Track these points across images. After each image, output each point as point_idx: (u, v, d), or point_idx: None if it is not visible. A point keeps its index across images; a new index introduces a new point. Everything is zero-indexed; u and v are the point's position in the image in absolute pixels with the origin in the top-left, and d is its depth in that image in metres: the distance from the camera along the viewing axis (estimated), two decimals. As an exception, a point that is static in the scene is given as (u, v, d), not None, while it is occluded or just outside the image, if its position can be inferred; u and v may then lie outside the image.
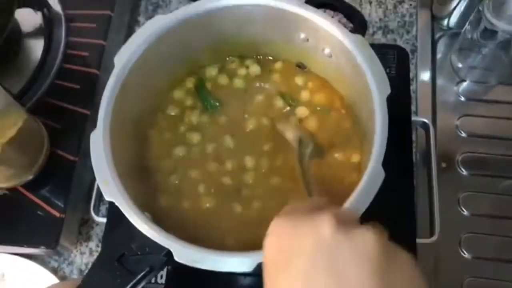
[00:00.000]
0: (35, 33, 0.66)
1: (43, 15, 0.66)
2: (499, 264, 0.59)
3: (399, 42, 0.71)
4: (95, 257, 0.54)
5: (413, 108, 0.65)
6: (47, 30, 0.65)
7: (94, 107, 0.61)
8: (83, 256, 0.62)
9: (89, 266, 0.49)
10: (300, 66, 0.56)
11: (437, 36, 0.72)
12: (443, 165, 0.65)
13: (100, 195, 0.59)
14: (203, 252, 0.39)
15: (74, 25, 0.67)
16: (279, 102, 0.54)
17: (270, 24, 0.52)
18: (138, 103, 0.50)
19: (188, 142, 0.53)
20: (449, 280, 0.59)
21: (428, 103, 0.67)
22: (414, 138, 0.63)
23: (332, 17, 0.49)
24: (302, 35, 0.52)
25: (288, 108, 0.54)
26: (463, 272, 0.59)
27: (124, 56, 0.47)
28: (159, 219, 0.43)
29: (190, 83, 0.55)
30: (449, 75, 0.70)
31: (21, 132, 0.53)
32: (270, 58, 0.57)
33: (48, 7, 0.67)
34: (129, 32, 0.74)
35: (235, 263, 0.38)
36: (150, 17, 0.73)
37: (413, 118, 0.60)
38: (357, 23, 0.52)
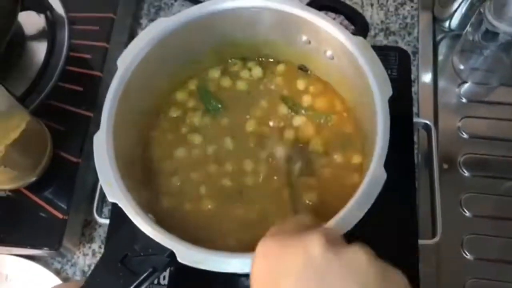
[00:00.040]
0: (38, 36, 0.66)
1: (46, 18, 0.67)
2: (502, 265, 0.59)
3: (401, 44, 0.71)
4: (98, 258, 0.54)
5: (414, 109, 0.66)
6: (50, 32, 0.66)
7: (97, 109, 0.62)
8: (86, 258, 0.63)
9: (92, 267, 0.50)
10: (302, 69, 0.56)
11: (438, 38, 0.72)
12: (445, 166, 0.65)
13: (103, 197, 0.59)
14: (206, 253, 0.39)
15: (77, 27, 0.67)
16: (281, 107, 0.54)
17: (272, 26, 0.52)
18: (140, 105, 0.51)
19: (190, 144, 0.53)
20: (451, 281, 0.59)
21: (429, 104, 0.67)
22: (415, 139, 0.63)
23: (334, 19, 0.49)
24: (304, 38, 0.52)
25: (291, 112, 0.54)
26: (465, 273, 0.59)
27: (127, 59, 0.48)
28: (161, 220, 0.43)
29: (192, 85, 0.56)
30: (451, 77, 0.70)
31: (24, 134, 0.53)
32: (272, 60, 0.57)
33: (51, 10, 0.67)
34: (132, 34, 0.75)
35: (238, 264, 0.39)
36: (152, 20, 0.73)
37: (415, 119, 0.60)
38: (358, 25, 0.52)
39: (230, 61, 0.57)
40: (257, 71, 0.56)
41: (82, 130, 0.61)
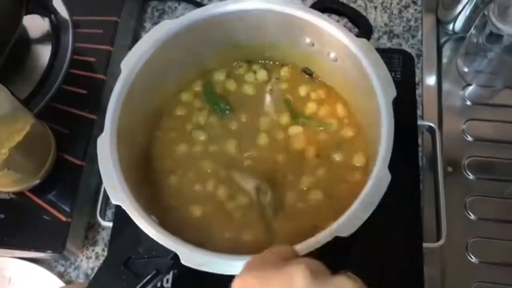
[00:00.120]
0: (42, 39, 0.67)
1: (51, 21, 0.67)
2: (507, 269, 0.59)
3: (405, 47, 0.71)
4: (101, 261, 0.54)
5: (419, 112, 0.65)
6: (54, 36, 0.66)
7: (101, 112, 0.62)
8: (89, 261, 0.63)
9: (95, 270, 0.50)
10: (306, 72, 0.56)
11: (442, 40, 0.72)
12: (450, 169, 0.64)
13: (106, 200, 0.59)
14: (210, 255, 0.39)
15: (81, 31, 0.67)
16: (284, 116, 0.54)
17: (275, 29, 0.52)
18: (144, 107, 0.51)
19: (193, 141, 0.53)
20: (456, 284, 0.59)
21: (434, 107, 0.67)
22: (420, 142, 0.63)
23: (338, 21, 0.49)
24: (308, 40, 0.52)
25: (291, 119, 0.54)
26: (470, 276, 0.59)
27: (131, 61, 0.48)
28: (163, 221, 0.43)
29: (197, 86, 0.56)
30: (455, 79, 0.70)
31: (28, 136, 0.53)
32: (277, 63, 0.57)
33: (55, 13, 0.67)
34: (136, 37, 0.75)
35: (242, 266, 0.38)
36: (156, 23, 0.73)
37: (419, 122, 0.60)
38: (362, 28, 0.52)
39: (235, 63, 0.57)
40: (262, 74, 0.56)
41: (85, 133, 0.62)
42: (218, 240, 0.47)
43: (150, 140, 0.53)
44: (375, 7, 0.74)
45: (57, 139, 0.60)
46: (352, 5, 0.55)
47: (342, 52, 0.49)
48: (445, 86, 0.69)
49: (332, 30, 0.48)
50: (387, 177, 0.41)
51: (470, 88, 0.69)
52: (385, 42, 0.72)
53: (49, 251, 0.57)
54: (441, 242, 0.53)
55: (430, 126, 0.60)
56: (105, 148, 0.44)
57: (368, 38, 0.50)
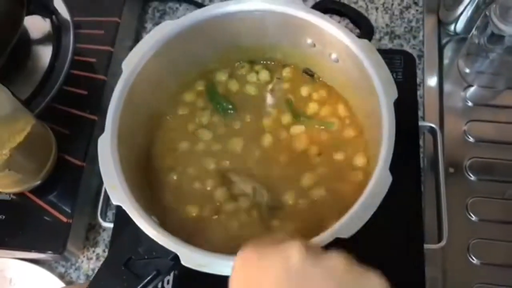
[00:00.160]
0: (43, 40, 0.67)
1: (52, 22, 0.67)
2: (508, 270, 0.59)
3: (406, 48, 0.71)
4: (102, 262, 0.54)
5: (420, 113, 0.65)
6: (55, 37, 0.66)
7: (102, 112, 0.62)
8: (90, 262, 0.62)
9: (96, 271, 0.50)
10: (307, 72, 0.56)
11: (444, 41, 0.72)
12: (451, 170, 0.64)
13: (107, 201, 0.59)
14: (210, 256, 0.39)
15: (82, 31, 0.67)
16: (286, 116, 0.54)
17: (276, 29, 0.52)
18: (145, 107, 0.51)
19: (196, 141, 0.53)
20: (457, 286, 0.59)
21: (435, 108, 0.67)
22: (421, 143, 0.63)
23: (339, 22, 0.49)
24: (309, 40, 0.52)
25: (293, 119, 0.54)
26: (471, 278, 0.58)
27: (132, 62, 0.48)
28: (163, 222, 0.43)
29: (200, 85, 0.56)
30: (456, 80, 0.70)
31: (29, 137, 0.53)
32: (278, 63, 0.57)
33: (57, 14, 0.67)
34: (137, 38, 0.75)
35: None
36: (157, 24, 0.73)
37: (420, 123, 0.60)
38: (363, 29, 0.52)
39: (237, 64, 0.57)
40: (264, 75, 0.56)
41: (86, 134, 0.62)
42: (218, 240, 0.47)
43: (150, 140, 0.53)
44: (376, 8, 0.74)
45: (58, 140, 0.60)
46: (353, 6, 0.55)
47: (343, 53, 0.49)
48: (447, 87, 0.69)
49: (334, 31, 0.48)
50: (388, 178, 0.41)
51: (472, 89, 0.69)
52: (386, 43, 0.71)
53: (49, 252, 0.57)
54: (443, 243, 0.53)
55: (432, 127, 0.60)
56: (106, 148, 0.44)
57: (370, 39, 0.50)
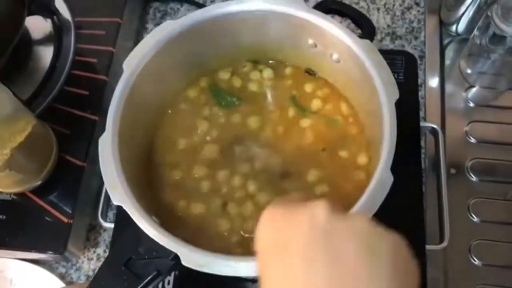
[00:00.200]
0: (44, 40, 0.67)
1: (53, 22, 0.67)
2: (510, 271, 0.58)
3: (407, 48, 0.71)
4: (102, 262, 0.54)
5: (421, 114, 0.65)
6: (56, 37, 0.66)
7: (103, 113, 0.62)
8: (91, 262, 0.62)
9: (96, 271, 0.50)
10: (309, 72, 0.56)
11: (445, 42, 0.72)
12: (453, 171, 0.64)
13: (107, 201, 0.59)
14: (211, 256, 0.39)
15: (83, 32, 0.67)
16: (290, 109, 0.54)
17: (278, 29, 0.52)
18: (146, 107, 0.51)
19: (198, 137, 0.53)
20: (459, 287, 0.58)
21: (437, 109, 0.67)
22: (422, 144, 0.63)
23: (340, 22, 0.49)
24: (310, 41, 0.52)
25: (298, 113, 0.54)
26: (473, 279, 0.58)
27: (133, 61, 0.48)
28: (164, 222, 0.43)
29: (203, 82, 0.56)
30: (458, 81, 0.70)
31: (30, 137, 0.53)
32: (280, 63, 0.57)
33: (58, 14, 0.67)
34: (138, 39, 0.75)
35: (243, 267, 0.38)
36: (158, 24, 0.73)
37: (422, 124, 0.60)
38: (365, 29, 0.52)
39: (239, 64, 0.57)
40: (267, 73, 0.56)
41: (87, 134, 0.62)
42: (220, 240, 0.47)
43: (151, 140, 0.53)
44: (378, 9, 0.74)
45: (58, 140, 0.60)
46: (354, 6, 0.55)
47: (345, 53, 0.49)
48: (448, 87, 0.69)
49: (335, 31, 0.48)
50: (390, 178, 0.41)
51: (473, 89, 0.69)
52: (387, 44, 0.71)
53: (50, 252, 0.57)
54: (444, 244, 0.53)
55: (433, 128, 0.60)
56: (107, 148, 0.44)
57: (371, 40, 0.49)
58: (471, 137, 0.66)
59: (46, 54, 0.65)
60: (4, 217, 0.58)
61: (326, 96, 0.55)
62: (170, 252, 0.39)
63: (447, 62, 0.71)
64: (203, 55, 0.54)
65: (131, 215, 0.41)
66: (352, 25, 0.54)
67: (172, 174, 0.51)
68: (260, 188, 0.50)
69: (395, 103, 0.44)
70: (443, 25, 0.72)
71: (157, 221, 0.42)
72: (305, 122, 0.53)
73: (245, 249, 0.47)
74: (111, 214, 0.62)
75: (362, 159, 0.50)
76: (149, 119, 0.52)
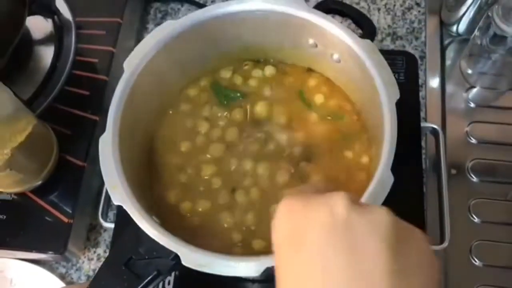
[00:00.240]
0: (45, 40, 0.67)
1: (54, 22, 0.67)
2: (510, 272, 0.58)
3: (408, 49, 0.71)
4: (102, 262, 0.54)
5: (422, 114, 0.65)
6: (57, 37, 0.66)
7: (103, 113, 0.61)
8: (91, 262, 0.62)
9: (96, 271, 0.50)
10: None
11: (446, 42, 0.72)
12: (453, 171, 0.64)
13: (108, 201, 0.59)
14: (211, 256, 0.39)
15: (84, 32, 0.67)
16: (295, 104, 0.54)
17: (278, 29, 0.52)
18: (147, 107, 0.51)
19: (198, 133, 0.53)
20: (459, 287, 0.58)
21: (437, 109, 0.67)
22: (423, 144, 0.63)
23: (341, 22, 0.49)
24: (311, 41, 0.52)
25: (305, 107, 0.54)
26: (473, 279, 0.58)
27: (133, 61, 0.48)
28: (164, 222, 0.43)
29: (203, 81, 0.56)
30: (459, 81, 0.69)
31: (30, 137, 0.53)
32: (281, 63, 0.56)
33: (59, 14, 0.68)
34: (138, 39, 0.75)
35: (243, 267, 0.38)
36: (159, 25, 0.73)
37: (423, 124, 0.59)
38: (366, 29, 0.52)
39: (239, 64, 0.56)
40: (270, 70, 0.55)
41: (88, 134, 0.62)
42: (220, 240, 0.47)
43: (152, 140, 0.53)
44: (379, 9, 0.74)
45: (59, 140, 0.60)
46: (355, 6, 0.55)
47: (345, 53, 0.49)
48: (449, 88, 0.69)
49: (336, 31, 0.48)
50: (390, 178, 0.41)
51: (474, 90, 0.69)
52: (388, 44, 0.71)
53: (50, 252, 0.57)
54: (445, 244, 0.53)
55: (434, 128, 0.60)
56: (107, 148, 0.44)
57: (372, 40, 0.49)
58: (471, 138, 0.66)
59: (46, 54, 0.65)
60: (5, 217, 0.58)
61: (329, 92, 0.54)
62: (170, 252, 0.39)
63: (448, 62, 0.71)
64: (204, 55, 0.54)
65: (131, 215, 0.41)
66: (353, 25, 0.54)
67: (177, 177, 0.51)
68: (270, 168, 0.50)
69: (395, 103, 0.44)
70: (443, 26, 0.72)
71: (157, 221, 0.42)
72: (312, 116, 0.53)
73: (245, 249, 0.47)
74: (111, 214, 0.62)
75: (364, 159, 0.50)
76: (149, 119, 0.52)
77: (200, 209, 0.49)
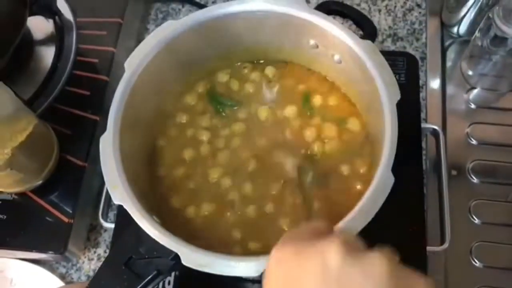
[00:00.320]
0: (46, 41, 0.67)
1: (55, 23, 0.67)
2: (511, 273, 0.58)
3: (409, 50, 0.71)
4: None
5: (422, 115, 0.65)
6: (58, 37, 0.66)
7: (104, 113, 0.61)
8: (91, 262, 0.62)
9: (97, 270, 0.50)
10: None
11: (446, 43, 0.72)
12: (454, 172, 0.64)
13: (108, 201, 0.59)
14: (211, 256, 0.39)
15: (84, 32, 0.67)
16: (292, 108, 0.53)
17: (279, 30, 0.52)
18: (147, 108, 0.51)
19: (197, 143, 0.53)
20: (460, 288, 0.59)
21: (438, 110, 0.67)
22: (424, 145, 0.63)
23: (342, 23, 0.49)
24: (312, 42, 0.52)
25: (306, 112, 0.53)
26: (473, 281, 0.58)
27: (135, 61, 0.48)
28: (165, 222, 0.43)
29: (201, 87, 0.56)
30: (459, 83, 0.69)
31: (31, 137, 0.53)
32: (281, 63, 0.56)
33: (60, 15, 0.68)
34: (139, 39, 0.75)
35: (243, 267, 0.38)
36: (160, 25, 0.73)
37: (423, 125, 0.59)
38: (366, 30, 0.52)
39: (239, 64, 0.57)
40: (270, 70, 0.55)
41: (88, 134, 0.62)
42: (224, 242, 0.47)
43: (153, 140, 0.53)
44: (379, 10, 0.74)
45: (60, 140, 0.60)
46: (356, 8, 0.55)
47: (346, 54, 0.49)
48: (449, 89, 0.69)
49: (337, 32, 0.48)
50: (390, 179, 0.41)
51: (475, 91, 0.69)
52: (389, 45, 0.71)
53: (50, 252, 0.57)
54: (445, 245, 0.53)
55: (434, 129, 0.60)
56: (108, 148, 0.44)
57: (373, 41, 0.49)
58: (472, 139, 0.66)
59: (47, 54, 0.65)
60: (5, 216, 0.58)
61: (328, 93, 0.54)
62: (171, 251, 0.39)
63: (449, 63, 0.71)
64: (204, 56, 0.54)
65: (132, 214, 0.41)
66: (354, 26, 0.54)
67: (184, 184, 0.51)
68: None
69: (396, 104, 0.44)
70: (444, 27, 0.72)
71: (157, 221, 0.42)
72: (315, 121, 0.53)
73: (245, 249, 0.47)
74: (111, 214, 0.62)
75: (364, 169, 0.50)
76: (150, 118, 0.52)
77: (206, 213, 0.49)
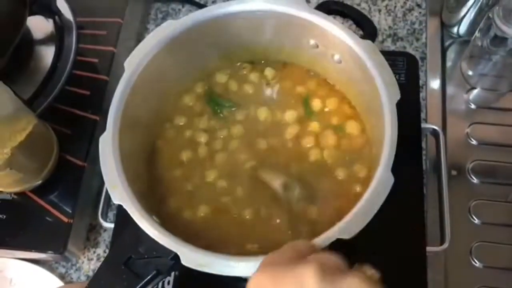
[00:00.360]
0: (46, 40, 0.67)
1: (55, 22, 0.67)
2: (511, 274, 0.58)
3: (409, 50, 0.71)
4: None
5: (422, 115, 0.65)
6: (58, 37, 0.66)
7: (104, 113, 0.61)
8: (91, 262, 0.62)
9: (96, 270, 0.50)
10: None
11: (446, 43, 0.72)
12: (454, 173, 0.64)
13: (108, 201, 0.59)
14: (211, 256, 0.39)
15: (84, 32, 0.67)
16: (292, 112, 0.53)
17: (279, 30, 0.52)
18: (147, 108, 0.51)
19: (195, 145, 0.53)
20: (460, 289, 0.59)
21: (438, 110, 0.67)
22: (423, 145, 0.63)
23: (342, 23, 0.49)
24: (312, 42, 0.52)
25: (305, 116, 0.53)
26: (473, 281, 0.58)
27: (134, 61, 0.48)
28: (164, 222, 0.43)
29: (199, 88, 0.56)
30: (459, 83, 0.69)
31: (30, 136, 0.53)
32: (281, 64, 0.56)
33: (59, 15, 0.67)
34: (139, 39, 0.75)
35: (243, 267, 0.38)
36: (160, 25, 0.73)
37: (423, 125, 0.59)
38: (367, 30, 0.52)
39: (238, 64, 0.56)
40: (269, 71, 0.55)
41: (88, 134, 0.62)
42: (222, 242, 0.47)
43: (152, 140, 0.53)
44: (379, 10, 0.74)
45: (59, 140, 0.60)
46: (356, 7, 0.55)
47: (346, 54, 0.49)
48: (449, 89, 0.69)
49: (337, 32, 0.48)
50: (390, 179, 0.41)
51: (475, 91, 0.69)
52: (389, 45, 0.71)
53: (50, 252, 0.57)
54: (445, 246, 0.53)
55: (434, 129, 0.60)
56: (107, 148, 0.44)
57: (373, 41, 0.49)
58: (472, 139, 0.66)
59: (47, 54, 0.65)
60: (4, 216, 0.58)
61: (327, 96, 0.54)
62: (170, 251, 0.39)
63: (449, 63, 0.71)
64: (204, 55, 0.54)
65: (131, 214, 0.41)
66: (354, 26, 0.54)
67: (182, 186, 0.51)
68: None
69: (396, 104, 0.44)
70: (444, 27, 0.72)
71: (157, 221, 0.42)
72: (314, 125, 0.52)
73: (243, 250, 0.47)
74: (111, 214, 0.62)
75: (363, 173, 0.49)
76: (150, 119, 0.52)
77: (202, 214, 0.49)
